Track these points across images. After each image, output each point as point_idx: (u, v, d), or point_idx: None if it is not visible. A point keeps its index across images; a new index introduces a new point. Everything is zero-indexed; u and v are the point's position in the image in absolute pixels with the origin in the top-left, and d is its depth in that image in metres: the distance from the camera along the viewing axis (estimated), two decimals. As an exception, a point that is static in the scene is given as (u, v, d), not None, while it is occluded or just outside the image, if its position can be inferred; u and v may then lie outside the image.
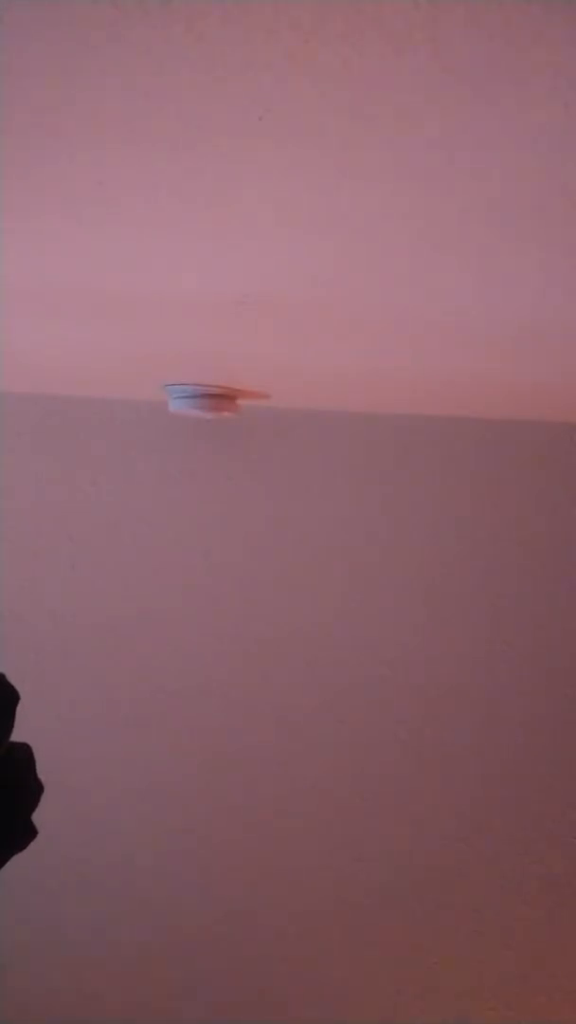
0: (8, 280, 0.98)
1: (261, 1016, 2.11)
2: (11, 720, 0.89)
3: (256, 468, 2.06)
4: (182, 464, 2.07)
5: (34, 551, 2.09)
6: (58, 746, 2.03)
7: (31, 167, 0.66)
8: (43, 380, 1.88)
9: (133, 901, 2.13)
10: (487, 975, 2.09)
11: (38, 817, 0.91)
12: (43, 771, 0.93)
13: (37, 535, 2.09)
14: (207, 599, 2.09)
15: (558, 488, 2.05)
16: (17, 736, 0.91)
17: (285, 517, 2.07)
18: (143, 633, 2.10)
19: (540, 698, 2.06)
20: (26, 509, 2.08)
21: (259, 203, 0.72)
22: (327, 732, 2.08)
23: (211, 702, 2.09)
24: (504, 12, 0.45)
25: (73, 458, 2.07)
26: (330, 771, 2.09)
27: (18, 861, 0.89)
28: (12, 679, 0.92)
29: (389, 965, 2.11)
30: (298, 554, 2.07)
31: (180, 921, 2.13)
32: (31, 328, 1.27)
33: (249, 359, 1.42)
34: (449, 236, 0.77)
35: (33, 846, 0.90)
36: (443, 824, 2.08)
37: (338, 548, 2.07)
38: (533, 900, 2.08)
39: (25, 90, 0.55)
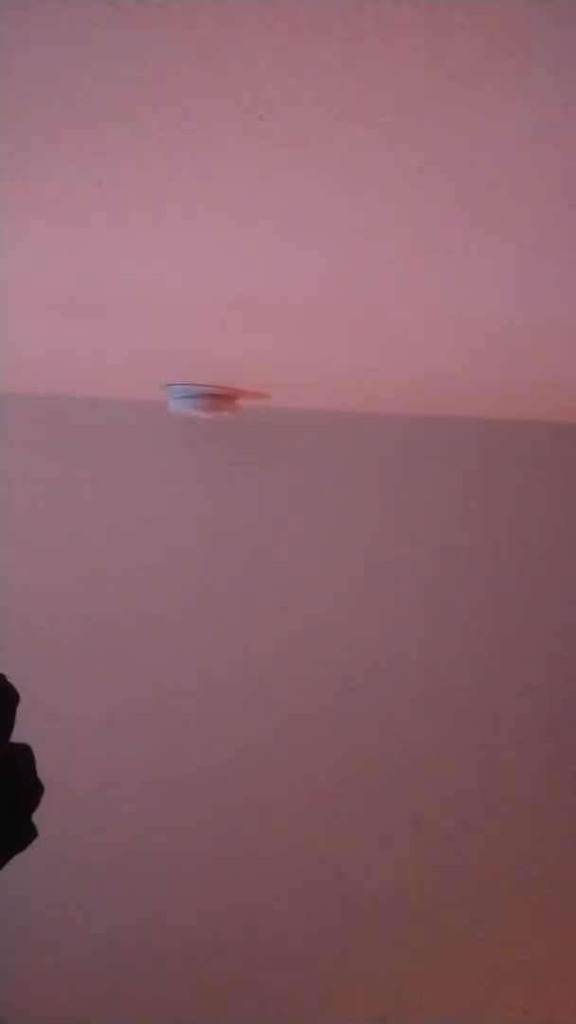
0: (8, 280, 0.98)
1: (261, 1016, 2.11)
2: (11, 720, 0.89)
3: (256, 468, 2.06)
4: (182, 464, 2.06)
5: (34, 551, 2.08)
6: (58, 746, 2.03)
7: (31, 167, 0.66)
8: (43, 380, 1.88)
9: (133, 901, 2.13)
10: (487, 975, 2.09)
11: (38, 817, 0.91)
12: (43, 771, 0.93)
13: (37, 535, 2.09)
14: (207, 599, 2.09)
15: (558, 488, 2.05)
16: (17, 736, 0.91)
17: (285, 517, 2.07)
18: (143, 633, 2.10)
19: (541, 698, 2.06)
20: (26, 509, 2.08)
21: (259, 203, 0.72)
22: (327, 731, 2.08)
23: (211, 702, 2.09)
24: (504, 12, 0.45)
25: (73, 458, 2.07)
26: (330, 770, 2.09)
27: (18, 861, 0.89)
28: (12, 679, 0.92)
29: (389, 965, 2.11)
30: (298, 554, 2.07)
31: (180, 921, 2.13)
32: (31, 328, 1.27)
33: (249, 359, 1.42)
34: (449, 236, 0.77)
35: (33, 846, 0.90)
36: (443, 823, 2.08)
37: (338, 548, 2.07)
38: (533, 900, 2.08)
39: (25, 90, 0.55)
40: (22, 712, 0.90)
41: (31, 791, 0.90)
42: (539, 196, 0.67)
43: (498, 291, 0.93)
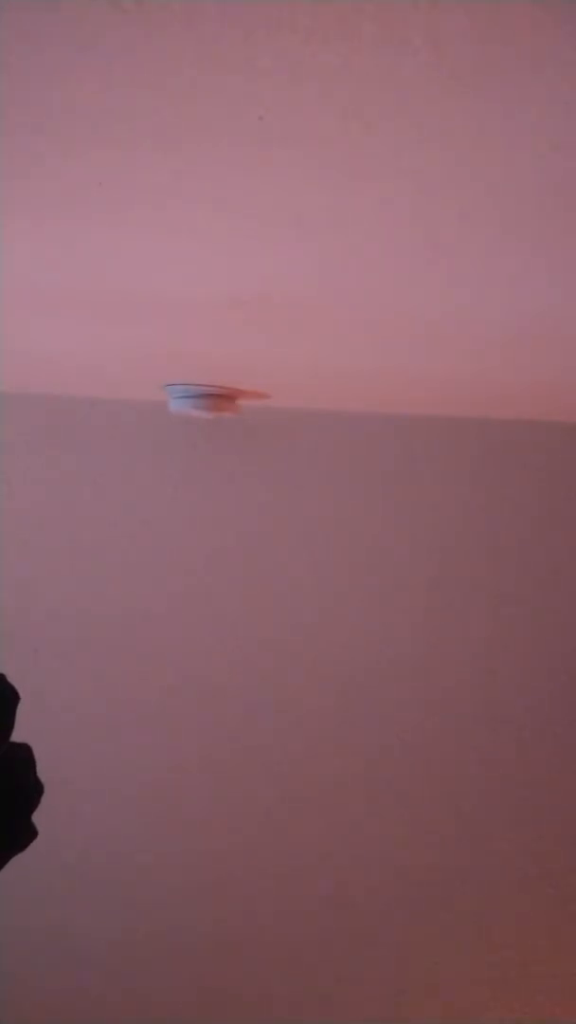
0: (8, 280, 0.98)
1: (261, 1016, 2.11)
2: (11, 720, 0.89)
3: (256, 468, 2.06)
4: (182, 464, 2.06)
5: (34, 551, 2.08)
6: (58, 746, 2.03)
7: (31, 167, 0.66)
8: (43, 380, 1.88)
9: (133, 901, 2.13)
10: (487, 975, 2.09)
11: (38, 817, 0.91)
12: (43, 771, 0.93)
13: (37, 535, 2.09)
14: (207, 599, 2.09)
15: (558, 488, 2.05)
16: (17, 736, 0.91)
17: (285, 517, 2.07)
18: (143, 633, 2.10)
19: (541, 698, 2.06)
20: (26, 509, 2.08)
21: (259, 203, 0.72)
22: (327, 731, 2.08)
23: (211, 702, 2.09)
24: (504, 12, 0.45)
25: (73, 458, 2.07)
26: (330, 770, 2.09)
27: (18, 861, 0.89)
28: (12, 679, 0.92)
29: (389, 965, 2.11)
30: (298, 554, 2.07)
31: (180, 921, 2.13)
32: (31, 328, 1.27)
33: (249, 359, 1.42)
34: (449, 236, 0.77)
35: (33, 846, 0.90)
36: (443, 824, 2.08)
37: (338, 548, 2.07)
38: (533, 900, 2.07)
39: (25, 90, 0.55)
40: (22, 712, 0.90)
41: (31, 791, 0.90)
42: (539, 196, 0.67)
43: (498, 291, 0.93)
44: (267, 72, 0.51)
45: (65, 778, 2.01)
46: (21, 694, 0.91)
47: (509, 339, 1.16)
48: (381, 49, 0.48)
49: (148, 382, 1.67)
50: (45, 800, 0.91)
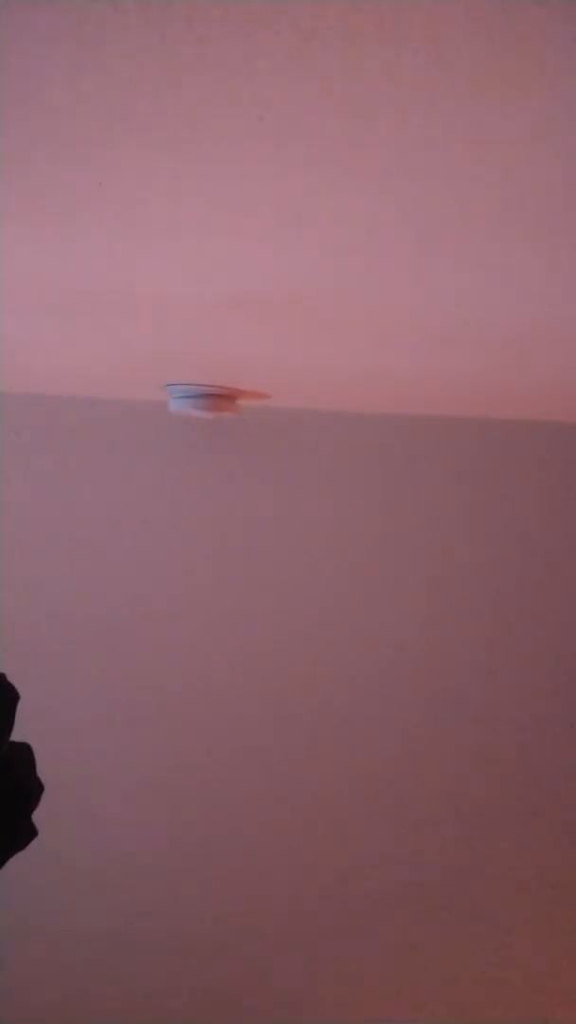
0: (9, 280, 0.98)
1: (261, 1016, 2.11)
2: (11, 720, 0.89)
3: (256, 468, 2.06)
4: (182, 464, 2.06)
5: (34, 551, 2.08)
6: (58, 746, 2.03)
7: (31, 168, 0.66)
8: (43, 380, 1.88)
9: (133, 901, 2.13)
10: (487, 975, 2.09)
11: (38, 817, 0.91)
12: (43, 771, 0.93)
13: (37, 535, 2.09)
14: (207, 599, 2.09)
15: (558, 488, 2.05)
16: (17, 736, 0.91)
17: (285, 517, 2.07)
18: (143, 633, 2.10)
19: (541, 698, 2.06)
20: (26, 509, 2.08)
21: (259, 203, 0.72)
22: (328, 731, 2.08)
23: (211, 702, 2.09)
24: (504, 12, 0.45)
25: (73, 458, 2.07)
26: (331, 770, 2.09)
27: (18, 861, 0.89)
28: (12, 679, 0.92)
29: (389, 965, 2.11)
30: (298, 554, 2.07)
31: (180, 921, 2.13)
32: (31, 328, 1.27)
33: (249, 359, 1.42)
34: (449, 236, 0.77)
35: (33, 846, 0.90)
36: (443, 824, 2.08)
37: (338, 548, 2.07)
38: (533, 900, 2.08)
39: (24, 91, 0.55)
40: (22, 712, 0.90)
41: (31, 791, 0.90)
42: (539, 197, 0.67)
43: (498, 291, 0.93)
44: (267, 72, 0.51)
45: (65, 778, 2.01)
46: (21, 694, 0.91)
47: (509, 339, 1.16)
48: (381, 49, 0.48)
49: (148, 382, 1.67)
50: (45, 800, 0.91)
